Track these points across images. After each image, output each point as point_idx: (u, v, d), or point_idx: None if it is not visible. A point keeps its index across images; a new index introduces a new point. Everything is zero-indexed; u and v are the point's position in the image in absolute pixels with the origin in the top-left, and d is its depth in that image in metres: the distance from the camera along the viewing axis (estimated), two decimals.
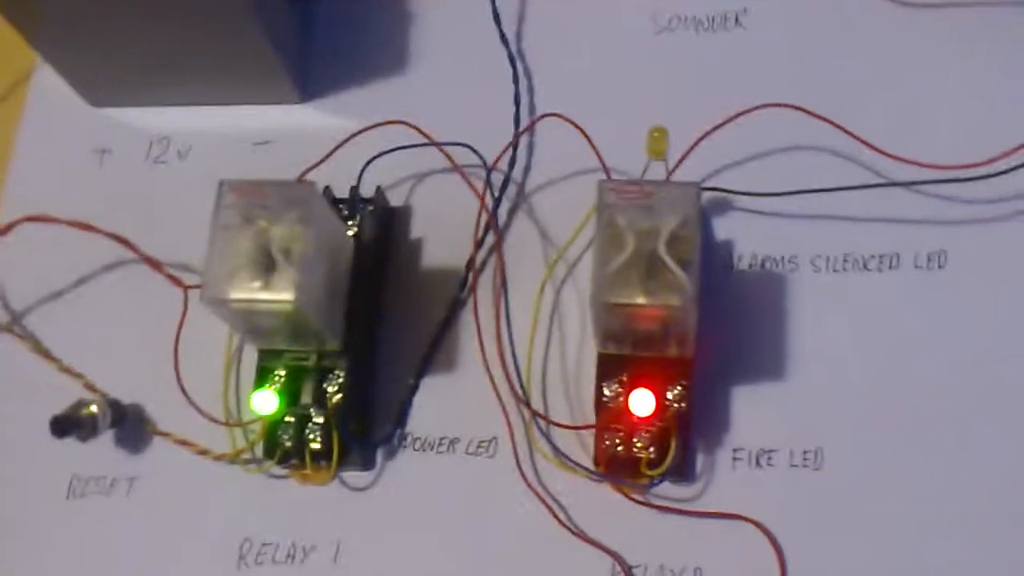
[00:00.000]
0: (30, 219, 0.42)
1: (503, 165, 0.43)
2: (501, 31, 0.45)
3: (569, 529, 0.38)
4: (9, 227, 0.41)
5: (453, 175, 0.43)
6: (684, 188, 0.34)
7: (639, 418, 0.35)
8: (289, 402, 0.38)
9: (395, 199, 0.44)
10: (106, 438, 0.42)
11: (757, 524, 0.37)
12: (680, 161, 0.40)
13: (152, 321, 0.42)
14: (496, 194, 0.42)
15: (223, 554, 0.40)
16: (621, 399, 0.37)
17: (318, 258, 0.36)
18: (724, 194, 0.41)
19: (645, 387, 0.35)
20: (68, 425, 0.39)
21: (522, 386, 0.39)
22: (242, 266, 0.34)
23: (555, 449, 0.39)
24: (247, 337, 0.38)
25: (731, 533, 0.38)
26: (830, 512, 0.38)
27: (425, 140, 0.42)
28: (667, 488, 0.39)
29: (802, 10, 0.44)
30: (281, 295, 0.34)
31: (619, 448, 0.38)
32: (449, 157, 0.42)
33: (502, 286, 0.41)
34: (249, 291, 0.34)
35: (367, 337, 0.41)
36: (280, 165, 0.42)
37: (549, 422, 0.39)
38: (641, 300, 0.33)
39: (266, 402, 0.37)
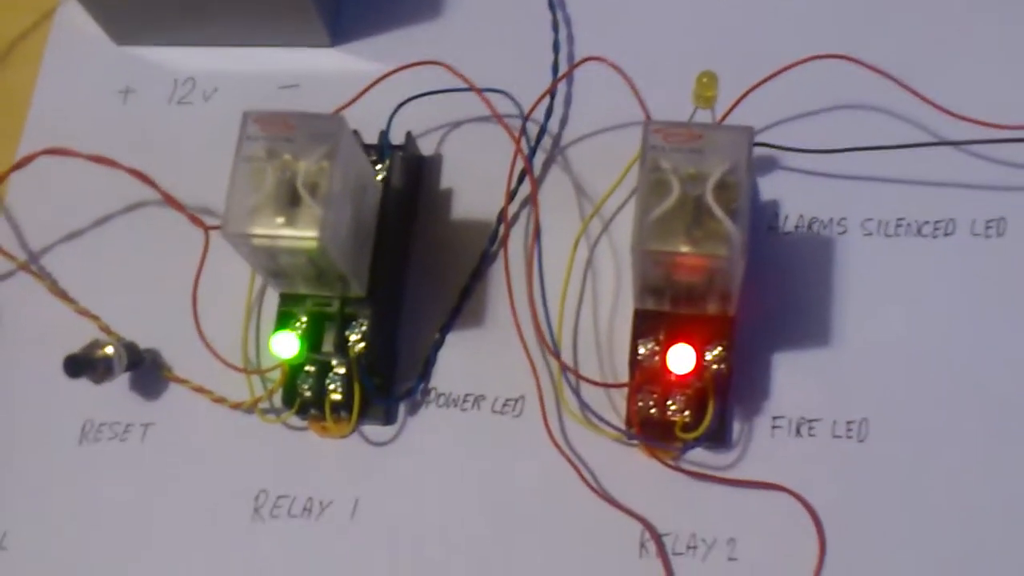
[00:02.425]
0: (49, 152, 0.40)
1: (538, 115, 0.41)
2: None
3: (597, 493, 0.37)
4: (28, 160, 0.40)
5: (485, 124, 0.42)
6: (735, 132, 0.32)
7: (677, 376, 0.33)
8: (310, 348, 0.37)
9: (425, 146, 0.42)
10: (121, 383, 0.40)
11: (796, 495, 0.36)
12: (727, 113, 0.38)
13: (171, 263, 0.41)
14: (531, 144, 0.41)
15: (238, 505, 0.39)
16: (657, 358, 0.35)
17: (344, 197, 0.34)
18: (771, 150, 0.39)
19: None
20: (82, 365, 0.38)
21: (553, 341, 0.38)
22: (265, 201, 0.33)
23: (584, 407, 0.37)
24: (269, 279, 0.37)
25: (768, 503, 0.36)
26: (872, 485, 0.36)
27: (460, 83, 0.40)
28: (701, 454, 0.37)
29: None
30: (305, 232, 0.33)
31: (652, 410, 0.36)
32: (488, 102, 0.40)
33: (535, 239, 0.39)
34: (272, 227, 0.33)
35: (393, 287, 0.39)
36: (307, 109, 0.39)
37: (580, 377, 0.37)
38: (685, 248, 0.31)
39: (286, 345, 0.35)
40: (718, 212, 0.31)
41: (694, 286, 0.33)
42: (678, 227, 0.31)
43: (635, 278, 0.33)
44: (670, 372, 0.34)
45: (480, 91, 0.39)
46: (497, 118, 0.40)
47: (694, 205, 0.31)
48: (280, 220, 0.33)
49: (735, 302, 0.34)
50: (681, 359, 0.33)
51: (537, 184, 0.41)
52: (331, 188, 0.33)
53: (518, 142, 0.39)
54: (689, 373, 0.33)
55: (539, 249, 0.39)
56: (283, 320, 0.37)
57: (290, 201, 0.33)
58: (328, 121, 0.34)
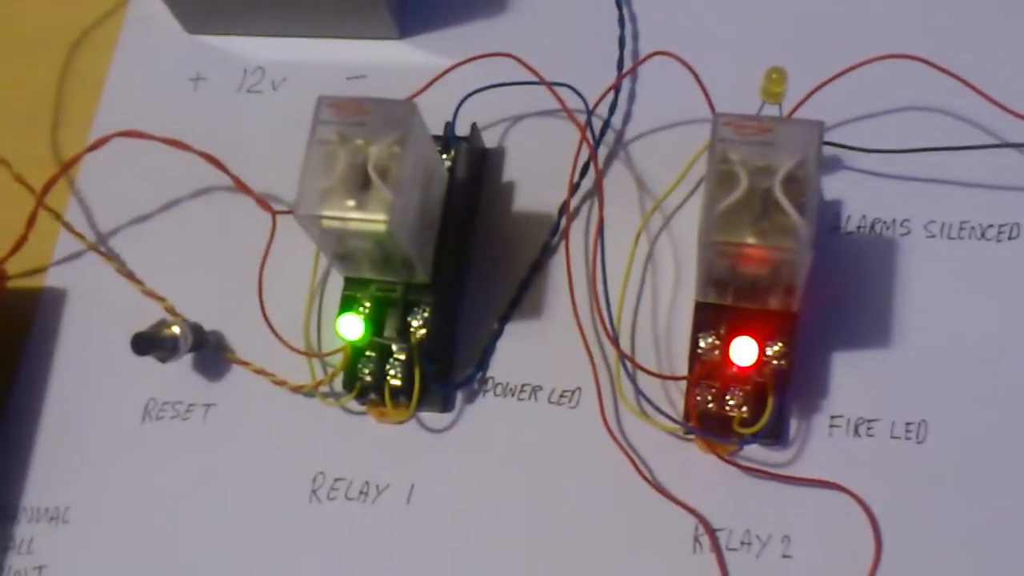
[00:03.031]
0: (123, 134, 0.41)
1: (601, 109, 0.41)
2: None
3: (652, 485, 0.37)
4: (102, 142, 0.41)
5: (548, 117, 0.42)
6: (805, 126, 0.32)
7: (738, 369, 0.33)
8: (373, 332, 0.37)
9: (488, 138, 0.43)
10: (184, 363, 0.41)
11: (853, 494, 0.36)
12: (794, 109, 0.38)
13: (237, 247, 0.42)
14: (595, 138, 0.41)
15: (296, 486, 0.39)
16: (717, 352, 0.35)
17: (414, 183, 0.35)
18: (835, 149, 0.39)
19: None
20: (149, 343, 0.39)
21: (614, 331, 0.38)
22: (336, 184, 0.34)
23: (642, 399, 0.37)
24: (335, 263, 0.37)
25: (824, 502, 0.36)
26: (930, 487, 0.36)
27: (524, 76, 0.40)
28: (757, 450, 0.37)
29: None
30: (374, 215, 0.33)
31: (710, 404, 0.36)
32: (556, 95, 0.40)
33: (599, 231, 0.39)
34: (342, 209, 0.34)
35: (455, 275, 0.40)
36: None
37: (638, 367, 0.37)
38: (752, 240, 0.31)
39: (352, 326, 0.36)
40: (787, 205, 0.31)
41: (758, 279, 0.33)
42: (746, 219, 0.31)
43: (700, 270, 0.33)
44: (730, 366, 0.34)
45: (548, 84, 0.40)
46: (566, 112, 0.40)
47: (762, 198, 0.31)
48: (351, 203, 0.34)
49: (799, 298, 0.34)
50: (744, 351, 0.33)
51: (601, 178, 0.41)
52: (402, 173, 0.33)
53: (584, 132, 0.40)
54: (750, 367, 0.33)
55: (602, 242, 0.39)
56: (347, 304, 0.38)
57: (361, 185, 0.34)
58: (401, 107, 0.34)
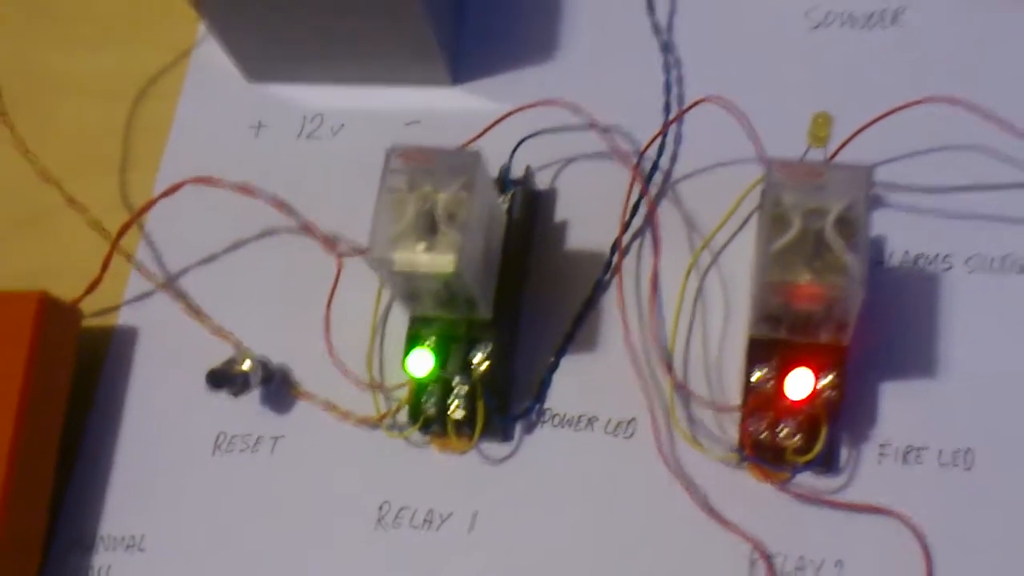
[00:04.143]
0: (196, 180, 0.43)
1: (650, 152, 0.43)
2: (653, 19, 0.45)
3: (708, 512, 0.38)
4: (175, 188, 0.43)
5: (598, 161, 0.44)
6: (855, 171, 0.34)
7: (793, 401, 0.35)
8: (440, 368, 0.39)
9: (539, 181, 0.44)
10: (252, 398, 0.43)
11: (904, 520, 0.37)
12: (837, 150, 0.39)
13: (301, 286, 0.44)
14: (645, 178, 0.43)
15: (363, 514, 0.41)
16: (770, 384, 0.37)
17: (479, 226, 0.36)
18: (877, 188, 0.41)
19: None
20: (222, 379, 0.40)
21: (668, 360, 0.39)
22: (406, 229, 0.35)
23: (695, 428, 0.39)
24: (402, 302, 0.39)
25: (875, 527, 0.37)
26: (980, 514, 0.37)
27: (580, 119, 0.42)
28: (809, 478, 0.38)
29: (963, 5, 0.43)
30: (444, 258, 0.35)
31: (763, 434, 0.37)
32: (606, 137, 0.42)
33: (655, 268, 0.41)
34: (413, 253, 0.35)
35: (513, 312, 0.41)
36: (429, 144, 0.42)
37: (693, 395, 0.39)
38: (806, 279, 0.33)
39: (422, 362, 0.38)
40: (838, 245, 0.32)
41: (811, 316, 0.34)
42: (799, 259, 0.33)
43: (754, 307, 0.35)
44: (783, 398, 0.36)
45: (599, 127, 0.42)
46: (616, 153, 0.42)
47: (814, 238, 0.33)
48: (421, 247, 0.36)
49: (850, 332, 0.35)
50: (800, 384, 0.35)
51: (649, 219, 0.43)
52: (468, 217, 0.35)
53: (635, 177, 0.42)
54: (805, 399, 0.35)
55: (656, 277, 0.41)
56: (412, 341, 0.39)
57: (429, 229, 0.36)
58: (467, 156, 0.36)
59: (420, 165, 0.35)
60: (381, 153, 0.39)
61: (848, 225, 0.33)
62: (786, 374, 0.36)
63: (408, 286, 0.37)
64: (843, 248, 0.32)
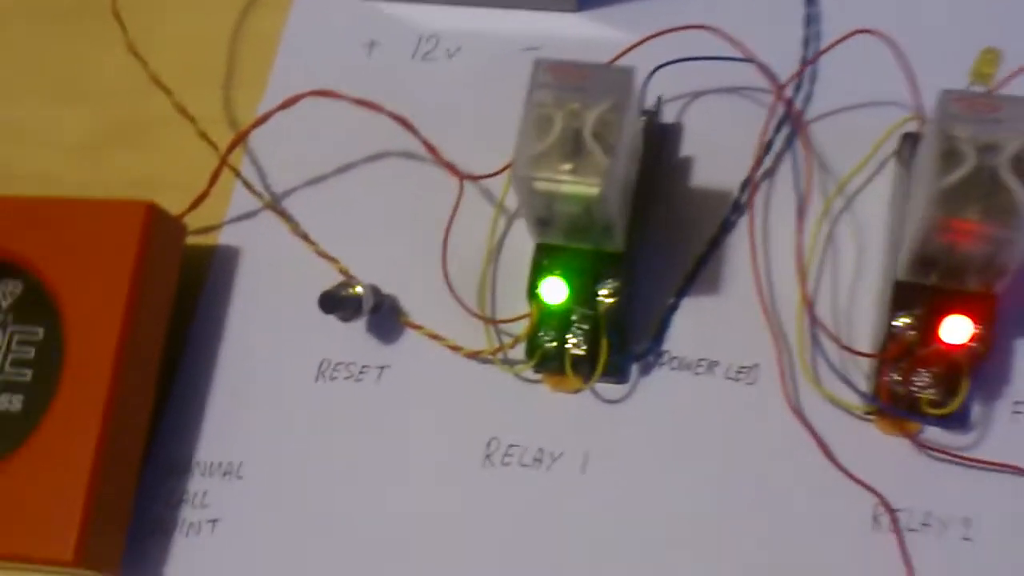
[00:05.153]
0: (315, 94, 0.42)
1: (788, 88, 0.41)
2: None
3: (832, 462, 0.37)
4: (295, 100, 0.41)
5: (728, 95, 0.42)
6: None
7: (946, 346, 0.34)
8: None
9: (667, 113, 0.42)
10: (358, 326, 0.42)
11: None
12: (997, 88, 0.37)
13: (412, 211, 0.42)
14: (781, 114, 0.41)
15: (469, 450, 0.40)
16: (912, 332, 0.35)
17: (625, 150, 0.35)
18: None
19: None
20: (335, 303, 0.39)
21: (801, 304, 0.38)
22: (551, 148, 0.34)
23: (825, 375, 0.37)
24: (533, 227, 0.37)
25: (1006, 486, 0.36)
26: None
27: (715, 51, 0.40)
28: (938, 433, 0.37)
29: None
30: (589, 179, 0.34)
31: (899, 385, 0.36)
32: (760, 64, 0.40)
33: (804, 203, 0.39)
34: (558, 172, 0.34)
35: (641, 247, 0.40)
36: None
37: (831, 337, 0.37)
38: (976, 217, 0.31)
39: (555, 290, 0.36)
40: (1014, 184, 0.31)
41: (971, 260, 0.33)
42: (971, 197, 0.31)
43: (911, 247, 0.33)
44: (931, 344, 0.34)
45: (742, 59, 0.40)
46: (751, 87, 0.40)
47: (988, 176, 0.31)
48: (566, 166, 0.34)
49: (1007, 281, 0.34)
50: (956, 330, 0.33)
51: (782, 156, 0.41)
52: (617, 139, 0.34)
53: (778, 92, 0.39)
54: (959, 345, 0.33)
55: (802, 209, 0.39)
56: (539, 270, 0.38)
57: (574, 150, 0.34)
58: (620, 73, 0.34)
59: (570, 81, 0.34)
60: (498, 79, 0.37)
61: None
62: (932, 322, 0.34)
63: (545, 209, 0.36)
64: (1019, 188, 0.31)
